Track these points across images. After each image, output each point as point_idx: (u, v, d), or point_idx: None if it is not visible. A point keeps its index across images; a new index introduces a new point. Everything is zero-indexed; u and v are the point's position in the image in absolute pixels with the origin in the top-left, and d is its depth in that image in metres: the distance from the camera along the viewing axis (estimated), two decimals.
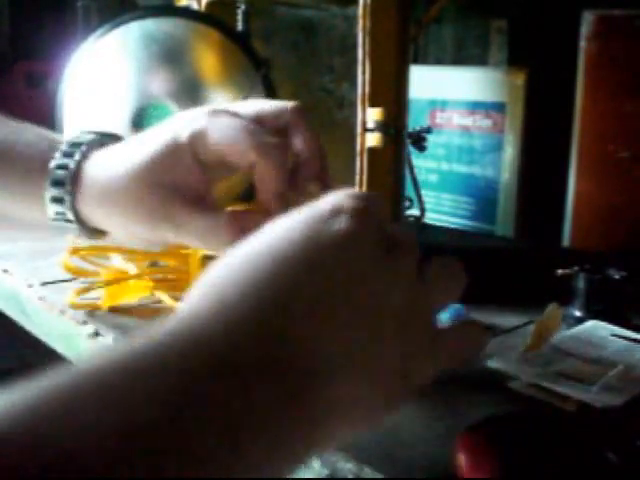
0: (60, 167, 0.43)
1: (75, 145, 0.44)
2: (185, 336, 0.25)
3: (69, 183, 0.43)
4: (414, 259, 0.33)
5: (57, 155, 0.44)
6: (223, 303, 0.27)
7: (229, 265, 0.30)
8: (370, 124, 0.55)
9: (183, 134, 0.41)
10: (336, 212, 0.31)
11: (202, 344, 0.25)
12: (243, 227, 0.40)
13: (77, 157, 0.43)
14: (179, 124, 0.42)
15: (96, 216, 0.44)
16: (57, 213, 0.44)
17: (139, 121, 0.50)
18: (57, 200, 0.44)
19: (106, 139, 0.45)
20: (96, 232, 0.46)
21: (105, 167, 0.43)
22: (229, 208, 0.43)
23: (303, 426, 0.26)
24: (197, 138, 0.41)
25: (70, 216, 0.44)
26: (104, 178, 0.43)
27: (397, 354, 0.32)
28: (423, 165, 0.91)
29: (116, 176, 0.42)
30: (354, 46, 0.55)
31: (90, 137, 0.45)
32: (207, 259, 0.57)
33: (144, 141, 0.42)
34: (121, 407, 0.21)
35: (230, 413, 0.23)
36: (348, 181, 0.56)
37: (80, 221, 0.45)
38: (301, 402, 0.26)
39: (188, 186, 0.42)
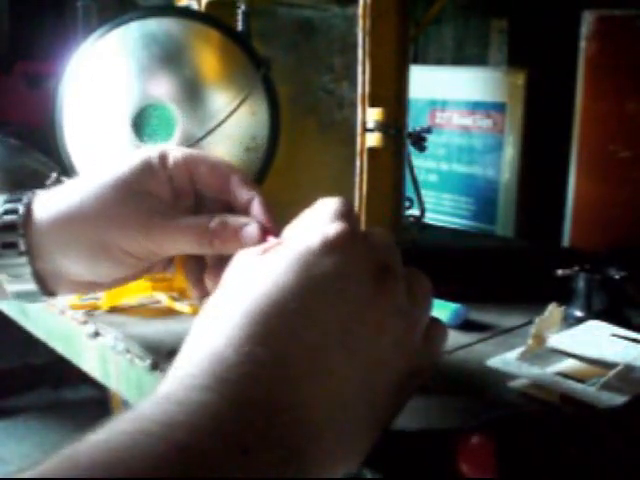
0: (7, 212, 0.40)
1: (18, 194, 0.42)
2: (183, 411, 0.25)
3: (21, 226, 0.40)
4: (402, 277, 0.33)
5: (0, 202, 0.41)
6: (220, 367, 0.27)
7: (224, 319, 0.29)
8: (370, 124, 0.55)
9: (153, 151, 0.42)
10: (326, 246, 0.31)
11: (201, 424, 0.25)
12: (232, 226, 0.40)
13: (25, 200, 0.41)
14: (147, 149, 0.43)
15: (59, 248, 0.40)
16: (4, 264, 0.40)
17: (139, 121, 0.50)
18: (8, 246, 0.40)
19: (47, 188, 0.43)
20: (46, 289, 0.42)
21: (67, 193, 0.41)
22: None
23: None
24: (166, 155, 0.42)
25: (24, 262, 0.40)
26: (69, 201, 0.40)
27: (394, 381, 0.32)
28: (423, 165, 0.91)
29: (88, 194, 0.40)
30: (354, 46, 0.55)
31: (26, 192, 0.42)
32: None
33: (108, 168, 0.41)
34: None
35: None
36: (348, 181, 0.57)
37: (35, 270, 0.41)
38: (298, 460, 0.27)
39: (165, 199, 0.41)
